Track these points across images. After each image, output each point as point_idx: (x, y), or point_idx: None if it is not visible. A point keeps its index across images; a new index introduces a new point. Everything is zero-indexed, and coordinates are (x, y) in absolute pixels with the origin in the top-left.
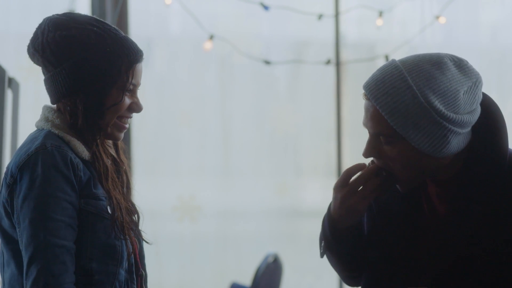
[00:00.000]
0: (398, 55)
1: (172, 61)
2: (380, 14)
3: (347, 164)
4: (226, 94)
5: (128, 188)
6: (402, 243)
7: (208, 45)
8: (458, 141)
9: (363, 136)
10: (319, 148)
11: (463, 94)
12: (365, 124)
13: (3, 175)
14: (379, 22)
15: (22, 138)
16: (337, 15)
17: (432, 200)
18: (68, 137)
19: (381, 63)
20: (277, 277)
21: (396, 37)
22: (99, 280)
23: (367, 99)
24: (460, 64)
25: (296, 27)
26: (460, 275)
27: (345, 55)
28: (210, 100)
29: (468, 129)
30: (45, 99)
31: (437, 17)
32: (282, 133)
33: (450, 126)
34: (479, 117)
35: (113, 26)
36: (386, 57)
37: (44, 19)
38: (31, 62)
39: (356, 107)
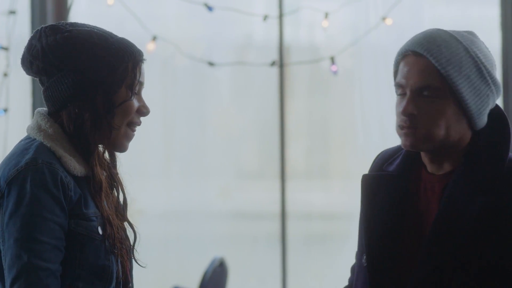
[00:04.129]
0: (344, 57)
1: None
2: (326, 15)
3: (290, 166)
4: (168, 96)
5: (125, 205)
6: (385, 235)
7: (150, 46)
8: (488, 110)
9: (306, 138)
10: (262, 150)
11: (495, 65)
12: (407, 82)
13: None
14: (325, 23)
15: None
16: (281, 16)
17: (421, 204)
18: (61, 152)
19: (326, 65)
20: (223, 282)
21: (341, 39)
22: None
23: (414, 55)
24: (485, 45)
25: (240, 29)
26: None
27: (289, 57)
28: (152, 101)
29: (494, 103)
30: None
31: (384, 19)
32: (225, 135)
33: (492, 86)
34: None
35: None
36: (332, 59)
37: (35, 31)
38: None
39: (300, 109)
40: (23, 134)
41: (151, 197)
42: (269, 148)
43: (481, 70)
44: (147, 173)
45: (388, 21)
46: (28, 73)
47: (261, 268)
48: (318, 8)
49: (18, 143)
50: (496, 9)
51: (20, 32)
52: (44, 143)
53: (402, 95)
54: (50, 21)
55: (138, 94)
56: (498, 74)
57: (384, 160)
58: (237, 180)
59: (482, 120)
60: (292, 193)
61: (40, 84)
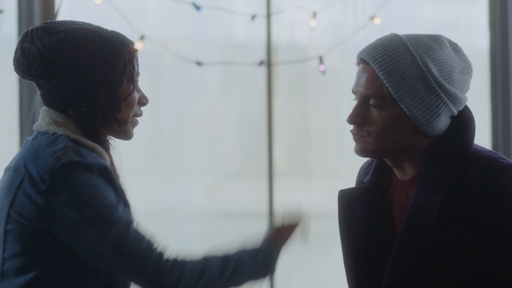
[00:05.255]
0: (332, 57)
1: None
2: (314, 15)
3: (277, 165)
4: (155, 95)
5: None
6: (362, 246)
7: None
8: (445, 119)
9: (294, 137)
10: (249, 149)
11: (457, 73)
12: (356, 89)
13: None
14: (313, 23)
15: None
16: (268, 16)
17: (396, 211)
18: (91, 144)
19: (314, 64)
20: None
21: (329, 39)
22: None
23: (363, 63)
24: (456, 47)
25: (228, 28)
26: (419, 275)
27: (276, 57)
28: None
29: (456, 111)
30: None
31: (372, 18)
32: (212, 135)
33: (444, 96)
34: (451, 122)
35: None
36: (320, 59)
37: (23, 34)
38: None
39: (287, 109)
40: (9, 135)
41: (137, 195)
42: (257, 148)
43: (428, 81)
44: (134, 172)
45: (377, 21)
46: (24, 77)
47: None
48: (306, 8)
49: (34, 139)
50: (484, 9)
51: (7, 31)
52: (71, 136)
53: (355, 99)
54: (38, 20)
55: (136, 86)
56: (485, 74)
57: (362, 171)
58: (224, 180)
59: (435, 128)
60: (280, 193)
61: (37, 87)
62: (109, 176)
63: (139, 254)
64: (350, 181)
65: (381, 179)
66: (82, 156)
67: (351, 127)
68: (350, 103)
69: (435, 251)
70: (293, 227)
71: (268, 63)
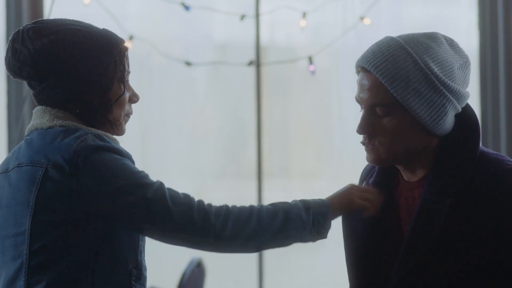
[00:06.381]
0: (322, 57)
1: None
2: (304, 15)
3: (267, 165)
4: (144, 95)
5: None
6: (367, 247)
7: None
8: (451, 117)
9: (283, 137)
10: (239, 149)
11: (457, 69)
12: (360, 98)
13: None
14: (302, 23)
15: None
16: (257, 16)
17: (402, 213)
18: (101, 132)
19: (303, 64)
20: (200, 282)
21: (319, 39)
22: (145, 276)
23: (364, 71)
24: (452, 43)
25: (217, 28)
26: (426, 276)
27: (266, 57)
28: None
29: (460, 108)
30: None
31: (362, 18)
32: (200, 135)
33: (449, 94)
34: (456, 120)
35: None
36: (310, 59)
37: (14, 33)
38: None
39: (276, 109)
40: None
41: None
42: (246, 148)
43: (432, 81)
44: None
45: (366, 21)
46: (15, 77)
47: (238, 269)
48: (296, 8)
49: (40, 135)
50: (474, 10)
51: None
52: (78, 127)
53: (362, 110)
54: (26, 20)
55: (127, 84)
56: (474, 74)
57: (367, 173)
58: (214, 180)
59: (443, 128)
60: (269, 192)
61: (29, 87)
62: (131, 160)
63: (182, 205)
64: (344, 181)
65: (387, 180)
66: (104, 141)
67: (348, 130)
68: (339, 103)
69: (442, 254)
70: (356, 201)
71: (257, 64)
